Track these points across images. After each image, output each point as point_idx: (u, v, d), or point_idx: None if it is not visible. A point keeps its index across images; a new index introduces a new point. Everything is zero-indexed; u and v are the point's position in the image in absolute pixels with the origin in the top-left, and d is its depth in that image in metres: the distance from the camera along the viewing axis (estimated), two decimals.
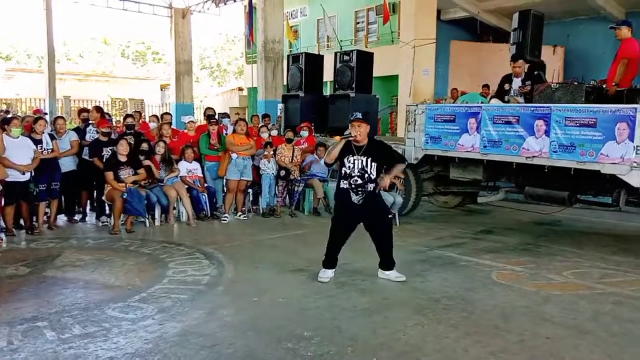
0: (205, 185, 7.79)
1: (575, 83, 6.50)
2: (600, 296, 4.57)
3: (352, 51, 9.90)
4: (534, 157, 6.23)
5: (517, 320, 3.99)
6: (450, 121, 7.06)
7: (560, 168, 6.10)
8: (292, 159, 8.23)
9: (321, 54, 13.81)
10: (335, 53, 10.17)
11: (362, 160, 4.76)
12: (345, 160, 4.80)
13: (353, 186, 4.76)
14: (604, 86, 6.53)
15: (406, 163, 5.03)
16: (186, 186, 7.45)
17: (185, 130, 8.41)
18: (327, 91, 12.54)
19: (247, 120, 9.67)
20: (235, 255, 5.73)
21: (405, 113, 7.94)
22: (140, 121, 8.90)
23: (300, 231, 7.17)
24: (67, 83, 25.81)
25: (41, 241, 6.26)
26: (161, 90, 30.20)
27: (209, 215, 7.66)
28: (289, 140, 8.41)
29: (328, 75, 10.94)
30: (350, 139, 4.75)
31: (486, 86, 11.44)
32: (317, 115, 10.06)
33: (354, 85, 9.46)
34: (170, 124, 8.51)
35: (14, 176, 6.21)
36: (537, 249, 6.28)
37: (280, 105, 10.87)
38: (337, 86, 9.92)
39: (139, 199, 6.75)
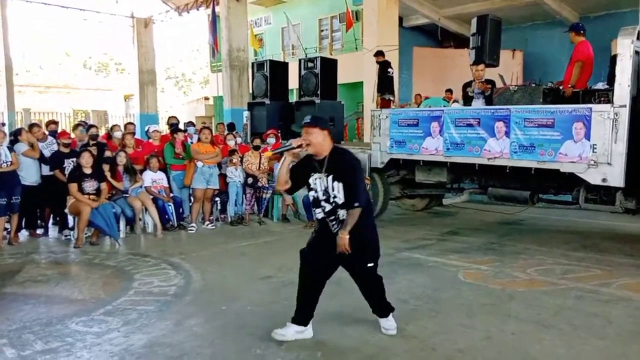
0: (171, 195, 7.68)
1: (533, 85, 6.70)
2: (563, 291, 4.70)
3: (316, 58, 9.94)
4: (495, 158, 6.38)
5: (484, 317, 4.06)
6: (413, 125, 7.17)
7: (521, 168, 6.26)
8: (260, 166, 8.21)
9: (286, 61, 13.84)
10: (300, 60, 10.19)
11: (324, 180, 3.50)
12: (310, 180, 3.58)
13: (327, 214, 3.55)
14: (561, 88, 6.73)
15: (360, 207, 3.43)
16: (151, 196, 7.33)
17: (150, 140, 8.29)
18: (293, 98, 12.55)
19: (212, 128, 9.59)
20: (202, 264, 5.66)
21: (370, 118, 8.02)
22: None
23: (269, 238, 7.14)
24: (27, 95, 25.14)
25: (0, 257, 6.05)
26: (125, 101, 29.67)
27: (176, 225, 7.54)
28: (256, 148, 8.39)
29: (293, 82, 10.95)
30: (296, 150, 3.51)
31: (449, 91, 11.64)
32: (284, 122, 10.05)
33: (319, 92, 9.49)
34: (133, 133, 8.37)
35: None
36: (501, 248, 6.42)
37: (246, 113, 10.82)
38: (302, 93, 9.94)
39: (111, 216, 6.62)
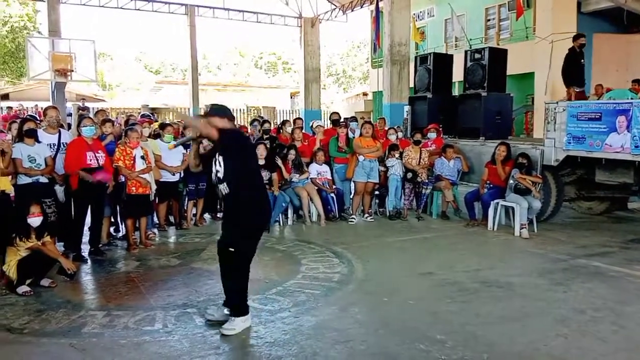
0: (334, 186, 7.97)
1: None
2: None
3: (484, 48, 9.49)
4: None
5: None
6: (596, 119, 6.49)
7: None
8: (420, 161, 8.12)
9: (450, 53, 13.48)
10: (466, 51, 9.81)
11: (218, 160, 3.72)
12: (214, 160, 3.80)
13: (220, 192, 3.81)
14: None
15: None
16: (316, 187, 7.68)
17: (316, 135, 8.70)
18: (456, 91, 12.18)
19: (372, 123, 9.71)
20: (364, 255, 5.80)
21: (543, 112, 7.45)
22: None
23: (428, 234, 7.04)
24: (208, 93, 28.00)
25: (188, 236, 6.84)
26: (291, 97, 31.57)
27: (337, 216, 7.82)
28: (417, 142, 8.31)
29: (457, 75, 10.63)
30: (203, 143, 3.97)
31: (637, 82, 10.36)
32: (445, 116, 9.79)
33: (485, 84, 9.05)
34: (302, 128, 8.84)
35: (165, 177, 6.86)
36: None
37: (407, 107, 10.76)
38: (467, 85, 9.57)
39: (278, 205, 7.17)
